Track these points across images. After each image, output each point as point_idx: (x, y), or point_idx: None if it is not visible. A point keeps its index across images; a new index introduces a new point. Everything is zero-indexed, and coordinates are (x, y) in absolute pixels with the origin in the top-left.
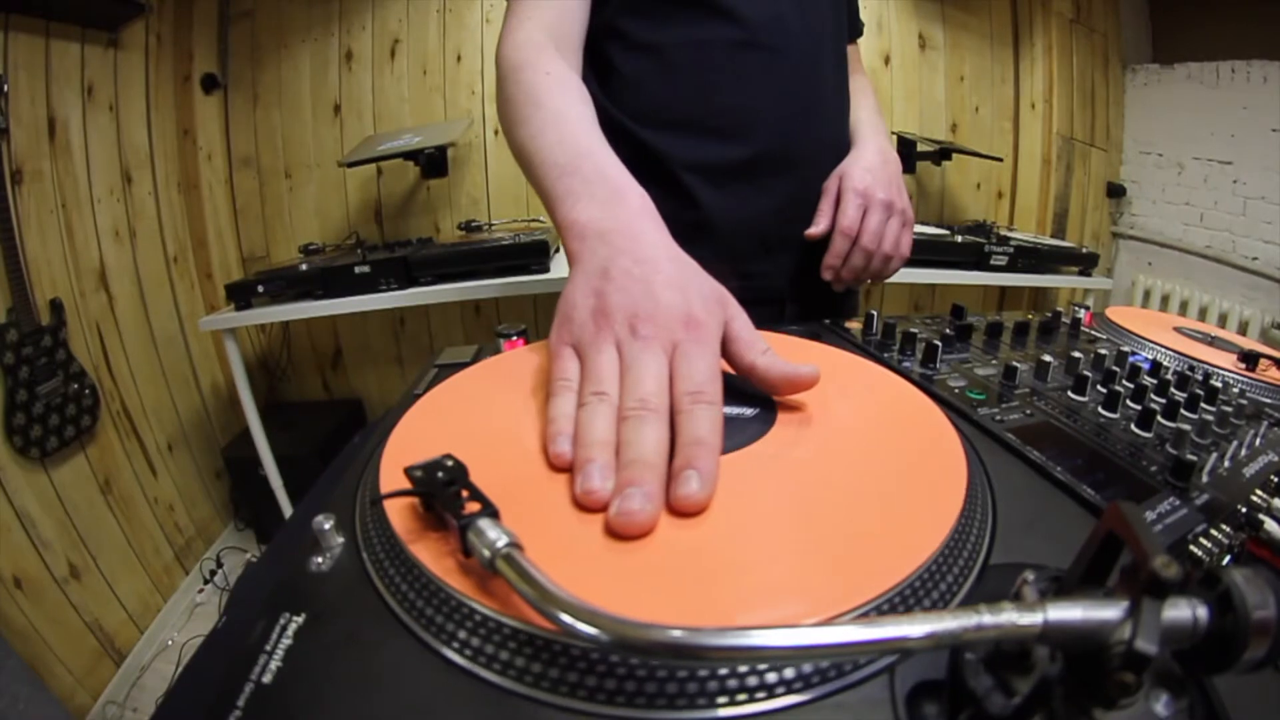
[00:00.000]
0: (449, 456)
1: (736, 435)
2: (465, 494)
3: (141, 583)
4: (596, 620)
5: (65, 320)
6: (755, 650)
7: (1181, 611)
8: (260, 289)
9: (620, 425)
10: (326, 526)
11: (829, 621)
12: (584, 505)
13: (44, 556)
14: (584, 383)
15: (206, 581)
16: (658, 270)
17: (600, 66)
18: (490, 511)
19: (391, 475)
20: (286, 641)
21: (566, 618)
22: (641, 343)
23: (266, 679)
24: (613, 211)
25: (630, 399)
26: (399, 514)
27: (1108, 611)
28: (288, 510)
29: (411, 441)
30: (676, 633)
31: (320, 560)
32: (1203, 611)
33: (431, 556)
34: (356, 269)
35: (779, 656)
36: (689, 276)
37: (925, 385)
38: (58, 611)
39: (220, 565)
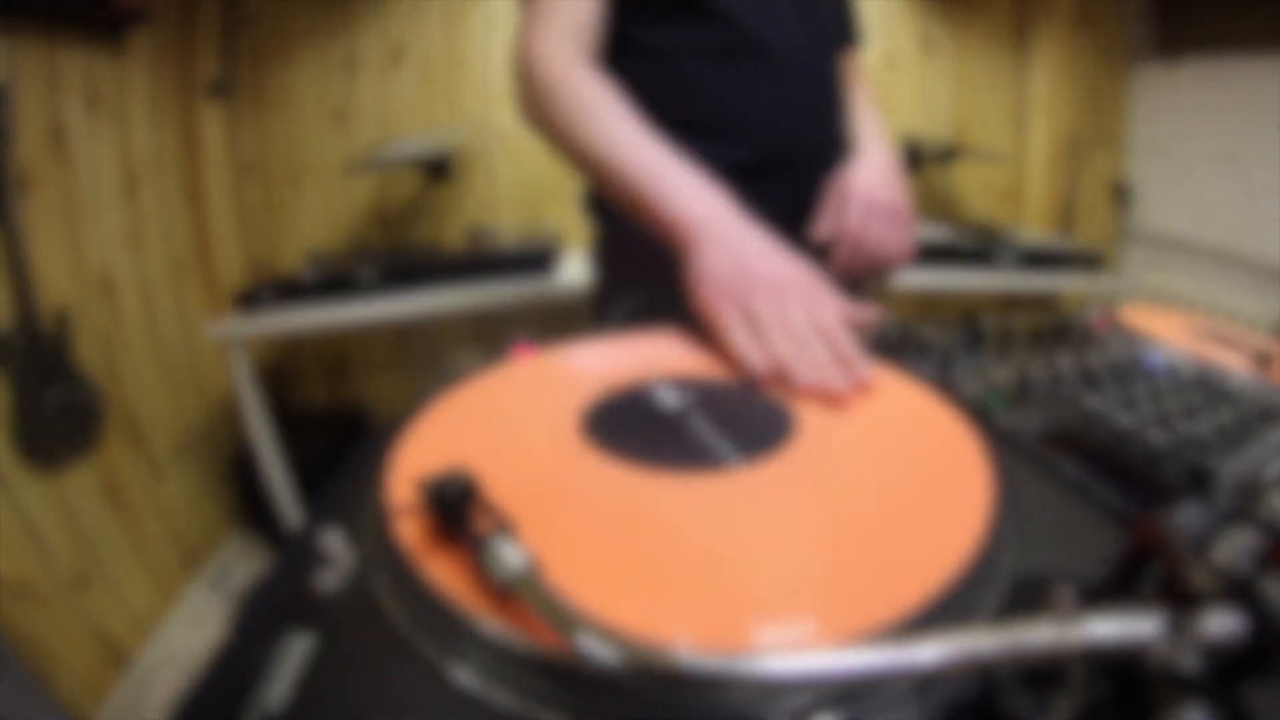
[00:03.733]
0: (461, 469)
1: (753, 446)
2: (479, 509)
3: (148, 591)
4: (617, 646)
5: (71, 328)
6: (782, 679)
7: (1219, 623)
8: (266, 297)
9: (793, 344)
10: (333, 543)
11: (858, 644)
12: (807, 391)
13: (49, 564)
14: (758, 323)
15: (214, 590)
16: (761, 248)
17: (609, 68)
18: (505, 528)
19: (401, 489)
20: (291, 663)
21: (586, 642)
22: (785, 300)
23: (271, 704)
24: (712, 206)
25: (790, 331)
26: (409, 530)
27: (1146, 625)
28: (295, 519)
29: (421, 453)
30: (699, 661)
31: (327, 577)
32: (1240, 623)
33: (443, 575)
34: (363, 276)
35: (808, 685)
36: (778, 251)
37: (941, 391)
38: (63, 620)
39: (227, 574)
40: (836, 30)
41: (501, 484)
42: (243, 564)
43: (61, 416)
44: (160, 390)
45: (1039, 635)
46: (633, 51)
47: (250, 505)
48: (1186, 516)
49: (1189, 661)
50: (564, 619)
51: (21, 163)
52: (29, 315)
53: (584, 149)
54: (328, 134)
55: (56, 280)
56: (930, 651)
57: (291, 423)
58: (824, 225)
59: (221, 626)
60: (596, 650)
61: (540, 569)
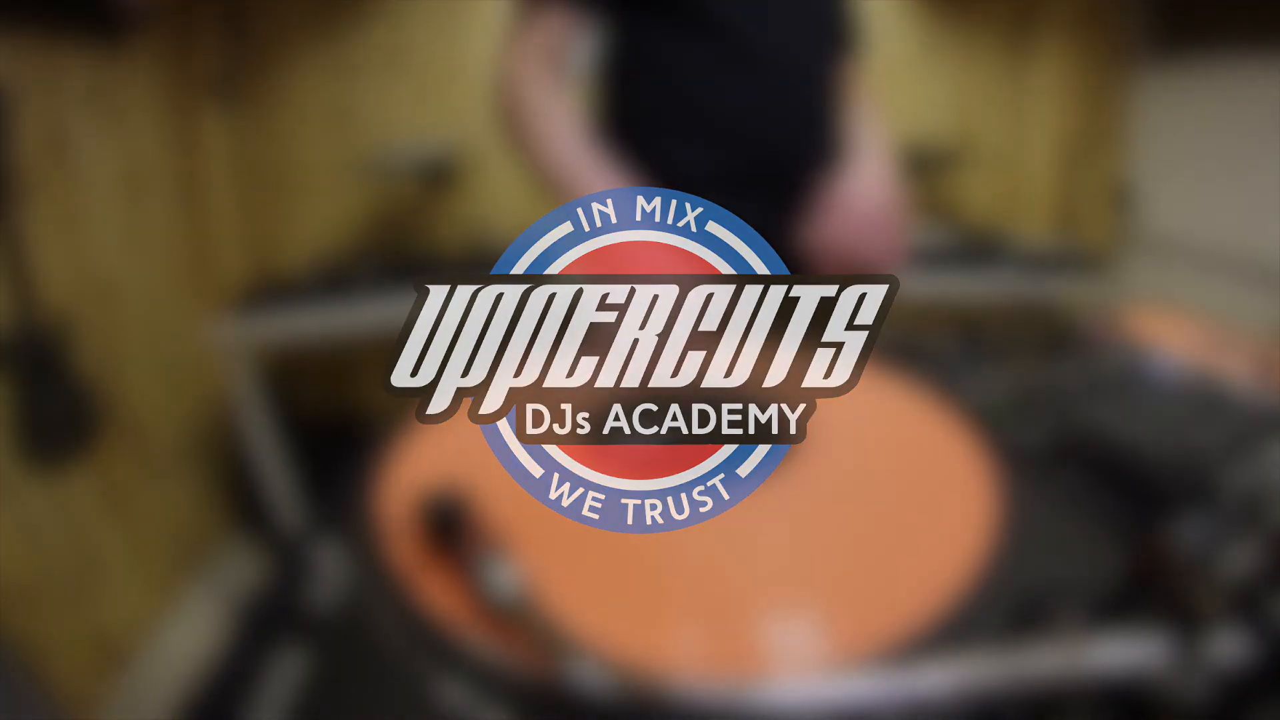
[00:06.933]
0: (454, 485)
1: None
2: (474, 527)
3: (146, 594)
4: (612, 675)
5: (71, 331)
6: (782, 708)
7: (1226, 645)
8: (266, 300)
9: None
10: (326, 558)
11: (859, 670)
12: None
13: (47, 566)
14: None
15: (211, 594)
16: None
17: (605, 75)
18: (500, 548)
19: (395, 503)
20: (281, 680)
21: (578, 670)
22: None
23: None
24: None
25: None
26: (402, 547)
27: (1152, 647)
28: (294, 524)
29: (417, 462)
30: (694, 690)
31: (319, 594)
32: (1248, 643)
33: (436, 595)
34: (363, 280)
35: (809, 715)
36: None
37: (941, 401)
38: (61, 621)
39: (225, 579)
40: (833, 37)
41: (499, 495)
42: (241, 567)
43: (61, 419)
44: (160, 393)
45: (1043, 663)
46: (628, 59)
47: (249, 509)
48: (1191, 530)
49: (1200, 689)
50: (557, 646)
51: (22, 164)
52: (29, 318)
53: (532, 159)
54: (328, 137)
55: (57, 283)
56: (934, 678)
57: (291, 426)
58: (809, 233)
59: (219, 631)
60: (589, 679)
61: (534, 592)
